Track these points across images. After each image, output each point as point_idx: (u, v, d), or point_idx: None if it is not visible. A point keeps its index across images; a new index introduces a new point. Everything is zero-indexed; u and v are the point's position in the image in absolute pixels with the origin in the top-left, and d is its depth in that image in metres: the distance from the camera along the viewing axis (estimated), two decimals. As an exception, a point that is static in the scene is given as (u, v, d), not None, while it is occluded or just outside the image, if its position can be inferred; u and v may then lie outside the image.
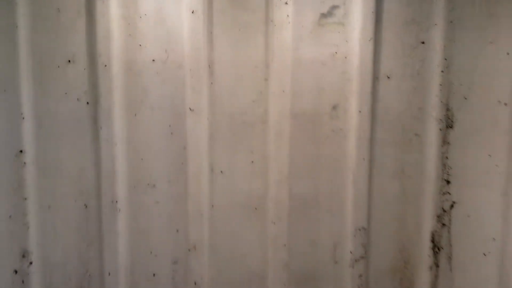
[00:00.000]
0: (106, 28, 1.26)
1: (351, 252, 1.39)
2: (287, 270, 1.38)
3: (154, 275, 1.36)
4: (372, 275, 1.41)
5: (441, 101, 1.33)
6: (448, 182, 1.36)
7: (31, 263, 1.30)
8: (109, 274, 1.33)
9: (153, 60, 1.29)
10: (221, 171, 1.35)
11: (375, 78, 1.34)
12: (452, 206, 1.37)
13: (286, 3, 1.29)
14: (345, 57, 1.32)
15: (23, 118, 1.24)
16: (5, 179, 1.25)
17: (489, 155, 1.27)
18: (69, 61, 1.26)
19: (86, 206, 1.31)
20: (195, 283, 1.36)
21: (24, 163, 1.26)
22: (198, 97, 1.30)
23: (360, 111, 1.33)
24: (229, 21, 1.31)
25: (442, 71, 1.33)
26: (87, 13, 1.25)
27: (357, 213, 1.37)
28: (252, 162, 1.35)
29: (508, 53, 1.22)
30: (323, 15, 1.32)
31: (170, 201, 1.34)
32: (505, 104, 1.22)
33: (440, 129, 1.34)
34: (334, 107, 1.35)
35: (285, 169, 1.35)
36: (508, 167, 1.23)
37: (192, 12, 1.28)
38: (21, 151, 1.25)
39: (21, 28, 1.23)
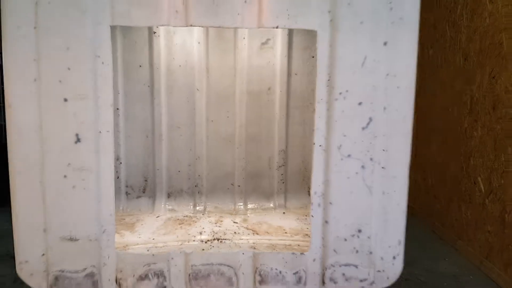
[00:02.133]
0: (157, 50, 2.66)
1: (277, 162, 2.78)
2: (245, 171, 2.78)
3: (179, 171, 2.79)
4: (288, 174, 2.80)
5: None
6: (325, 127, 2.73)
7: (120, 163, 2.75)
8: (157, 169, 2.76)
9: (180, 65, 2.69)
10: (212, 120, 2.75)
11: (289, 74, 2.70)
12: (327, 139, 2.73)
13: (244, 38, 2.66)
14: (273, 64, 2.69)
15: (118, 93, 2.68)
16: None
17: (342, 113, 2.62)
18: (140, 66, 2.68)
19: (147, 136, 2.74)
20: (199, 176, 2.78)
21: (118, 115, 2.70)
22: (200, 83, 2.70)
23: (281, 91, 2.70)
24: (217, 46, 2.70)
25: (321, 72, 2.68)
26: (149, 43, 2.66)
27: (280, 143, 2.75)
28: (228, 116, 2.75)
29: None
30: (263, 43, 2.69)
31: (187, 134, 2.75)
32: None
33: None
34: (269, 89, 2.72)
35: (244, 120, 2.73)
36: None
37: (198, 43, 2.67)
38: (117, 109, 2.69)
39: (118, 50, 2.66)
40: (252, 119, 2.73)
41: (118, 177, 2.74)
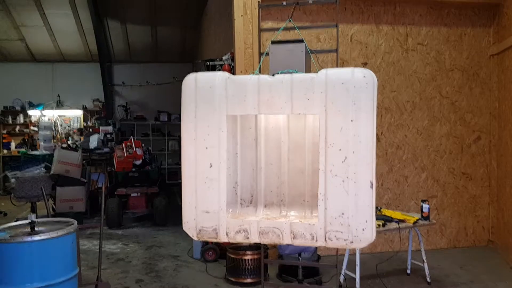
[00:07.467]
0: (259, 119, 4.68)
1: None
2: (311, 192, 4.56)
3: (271, 191, 4.69)
4: (338, 195, 4.52)
5: (357, 139, 4.43)
6: (360, 164, 4.42)
7: (238, 185, 4.76)
8: (259, 189, 4.71)
9: (272, 127, 4.66)
10: (291, 160, 4.63)
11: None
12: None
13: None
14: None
15: (237, 144, 4.74)
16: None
17: (369, 156, 4.30)
18: (249, 128, 4.71)
19: (253, 169, 4.72)
20: (283, 194, 4.65)
21: (237, 156, 4.74)
22: (284, 138, 4.62)
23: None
24: (293, 116, 4.62)
25: (357, 130, 4.42)
26: (255, 115, 4.70)
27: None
28: (300, 157, 4.60)
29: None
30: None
31: (276, 168, 4.64)
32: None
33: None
34: (313, 144, 4.53)
35: (310, 160, 4.55)
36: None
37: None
38: (236, 153, 4.75)
39: (238, 120, 4.75)
40: (315, 159, 4.56)
41: (236, 193, 4.76)
